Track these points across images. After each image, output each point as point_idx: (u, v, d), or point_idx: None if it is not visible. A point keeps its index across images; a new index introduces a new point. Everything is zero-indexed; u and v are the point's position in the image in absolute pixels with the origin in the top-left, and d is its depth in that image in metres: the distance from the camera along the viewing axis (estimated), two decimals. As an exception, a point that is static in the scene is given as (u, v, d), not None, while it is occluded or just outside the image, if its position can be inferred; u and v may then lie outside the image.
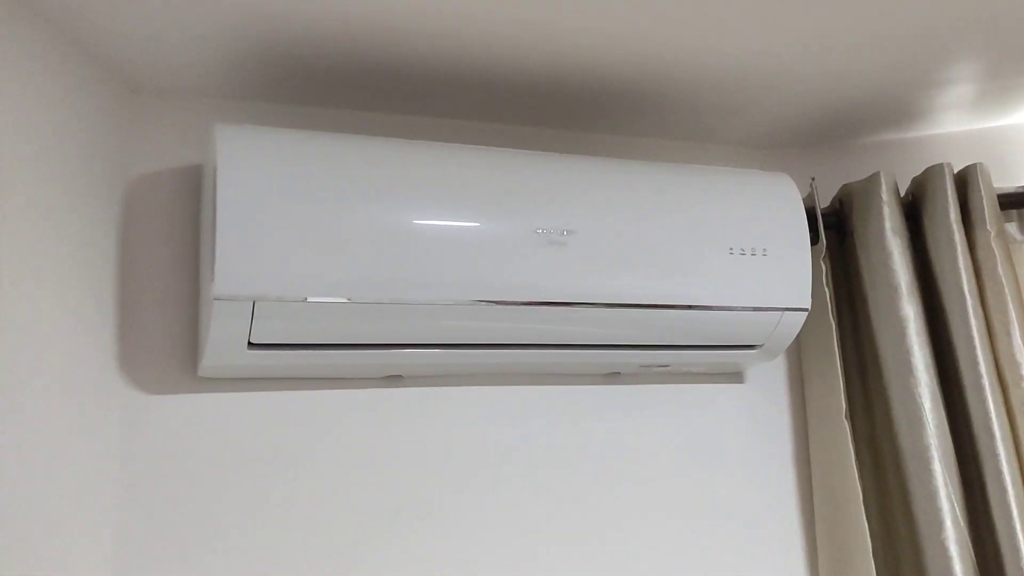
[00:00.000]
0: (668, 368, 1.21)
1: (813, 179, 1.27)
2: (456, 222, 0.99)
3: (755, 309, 1.11)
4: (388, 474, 1.07)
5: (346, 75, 1.07)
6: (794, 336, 1.16)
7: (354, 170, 0.96)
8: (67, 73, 0.94)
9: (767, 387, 1.30)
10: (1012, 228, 1.29)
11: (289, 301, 0.92)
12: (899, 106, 1.26)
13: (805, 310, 1.13)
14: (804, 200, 1.24)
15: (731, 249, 1.09)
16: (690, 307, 1.08)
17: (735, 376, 1.29)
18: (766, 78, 1.14)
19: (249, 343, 0.95)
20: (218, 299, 0.90)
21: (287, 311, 0.92)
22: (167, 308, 1.03)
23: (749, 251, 1.10)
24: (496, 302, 1.00)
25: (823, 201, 1.29)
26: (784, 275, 1.12)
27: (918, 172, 1.26)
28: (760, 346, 1.17)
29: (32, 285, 0.86)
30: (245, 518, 1.01)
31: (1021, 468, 1.14)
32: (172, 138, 1.07)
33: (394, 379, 1.11)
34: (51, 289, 0.89)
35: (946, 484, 1.13)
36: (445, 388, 1.13)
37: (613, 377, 1.22)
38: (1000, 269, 1.19)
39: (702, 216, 1.09)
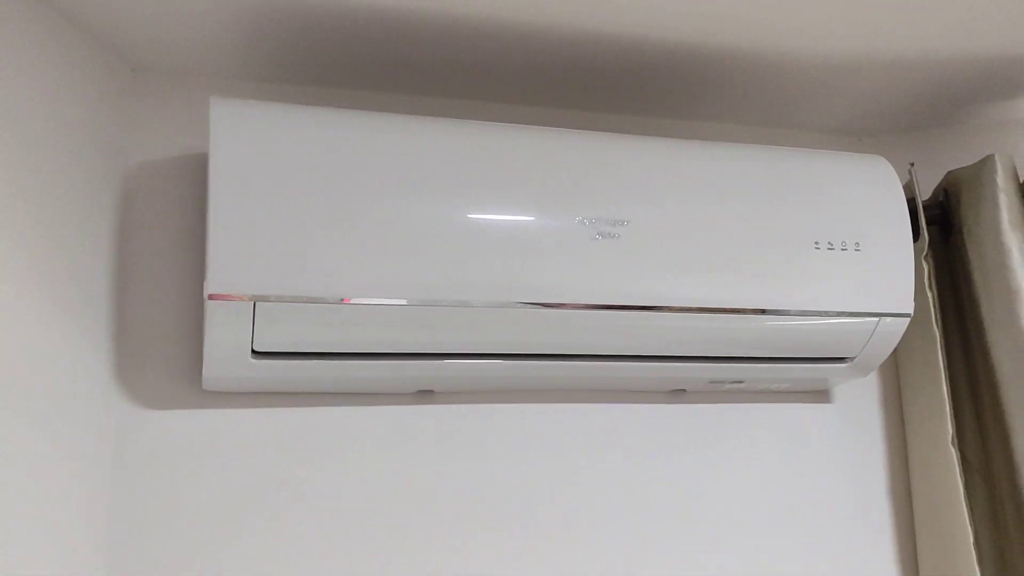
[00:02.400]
0: (742, 385, 1.04)
1: (912, 165, 1.10)
2: (494, 214, 0.85)
3: (846, 314, 0.95)
4: (414, 504, 0.93)
5: (361, 53, 0.95)
6: (893, 347, 0.99)
7: (375, 151, 0.83)
8: (60, 50, 0.84)
9: (859, 409, 1.13)
10: None
11: (296, 301, 0.79)
12: (1016, 76, 1.07)
13: (907, 316, 0.96)
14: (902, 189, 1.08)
15: (816, 243, 0.93)
16: (767, 311, 0.92)
17: (820, 395, 1.12)
18: (856, 50, 0.97)
19: (253, 351, 0.83)
20: (212, 298, 0.77)
21: (294, 313, 0.80)
22: (169, 311, 0.91)
23: (838, 245, 0.94)
24: (541, 304, 0.86)
25: (924, 191, 1.12)
26: (881, 274, 0.95)
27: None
28: (851, 359, 1.00)
29: (16, 286, 0.75)
30: (250, 551, 0.88)
31: None
32: (176, 122, 0.95)
33: (425, 395, 0.97)
34: (38, 290, 0.78)
35: (1085, 527, 0.93)
36: (483, 406, 0.98)
37: (678, 395, 1.06)
38: None
39: (782, 205, 0.93)
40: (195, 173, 0.94)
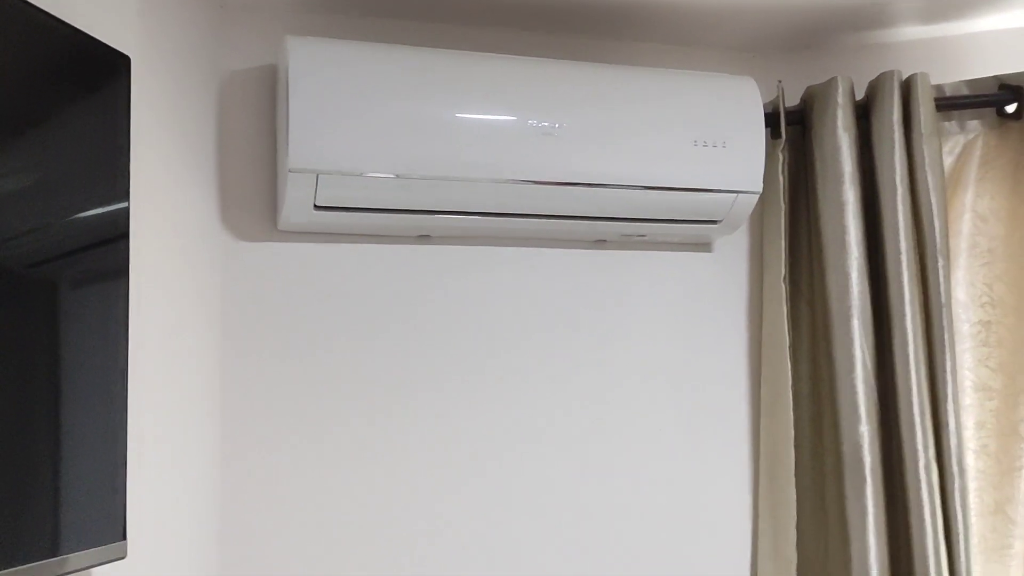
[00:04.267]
0: (646, 238, 1.49)
1: (780, 81, 1.50)
2: (472, 114, 1.27)
3: (714, 191, 1.38)
4: (418, 311, 1.41)
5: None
6: (748, 213, 1.43)
7: (391, 74, 1.24)
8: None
9: (732, 256, 1.58)
10: (952, 126, 1.51)
11: (343, 175, 1.23)
12: (867, 13, 1.45)
13: (756, 192, 1.39)
14: (773, 100, 1.49)
15: (695, 141, 1.35)
16: (659, 188, 1.35)
17: (705, 246, 1.57)
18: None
19: (315, 205, 1.27)
20: (291, 171, 1.21)
21: (342, 182, 1.23)
22: (252, 174, 1.35)
23: (711, 143, 1.36)
24: (506, 180, 1.29)
25: (792, 100, 1.52)
26: (740, 164, 1.37)
27: (875, 76, 1.48)
28: (720, 221, 1.44)
29: (153, 153, 1.18)
30: (311, 344, 1.36)
31: (925, 327, 1.41)
32: (252, 43, 1.36)
33: (424, 238, 1.42)
34: (168, 156, 1.21)
35: (861, 336, 1.41)
36: (463, 247, 1.44)
37: (601, 244, 1.51)
38: (928, 166, 1.42)
39: (671, 113, 1.34)
40: (267, 79, 1.36)
